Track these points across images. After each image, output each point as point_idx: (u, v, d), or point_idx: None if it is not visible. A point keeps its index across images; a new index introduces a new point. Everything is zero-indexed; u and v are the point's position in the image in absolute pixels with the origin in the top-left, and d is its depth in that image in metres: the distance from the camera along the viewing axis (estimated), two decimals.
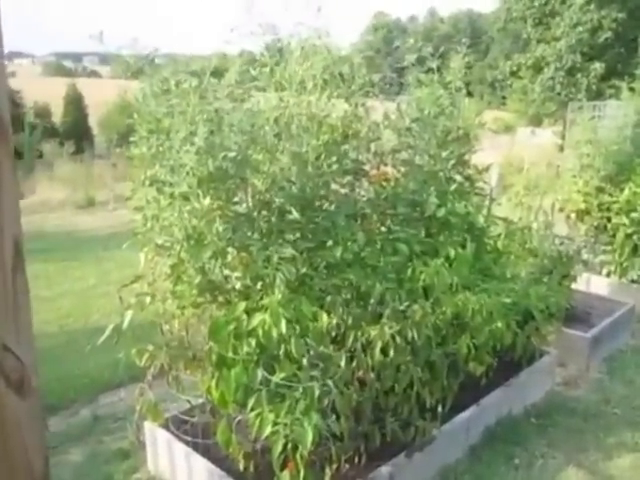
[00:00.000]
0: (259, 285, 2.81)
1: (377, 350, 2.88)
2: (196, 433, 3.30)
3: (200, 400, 3.36)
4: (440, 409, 3.49)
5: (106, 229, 11.07)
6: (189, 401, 3.40)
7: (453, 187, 3.92)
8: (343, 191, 3.68)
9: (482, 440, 3.81)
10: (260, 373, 2.77)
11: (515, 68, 20.95)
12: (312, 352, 2.85)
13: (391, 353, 2.92)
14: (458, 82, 4.31)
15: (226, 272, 2.86)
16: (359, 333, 2.87)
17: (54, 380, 5.02)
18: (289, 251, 2.75)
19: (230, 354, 2.82)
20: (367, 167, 3.91)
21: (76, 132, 24.83)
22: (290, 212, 3.13)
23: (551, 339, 4.59)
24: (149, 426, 3.54)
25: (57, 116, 26.63)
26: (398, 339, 2.90)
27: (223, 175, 2.82)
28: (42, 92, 27.63)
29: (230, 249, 2.75)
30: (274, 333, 2.67)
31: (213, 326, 2.82)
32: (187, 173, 2.71)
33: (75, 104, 25.81)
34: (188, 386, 3.28)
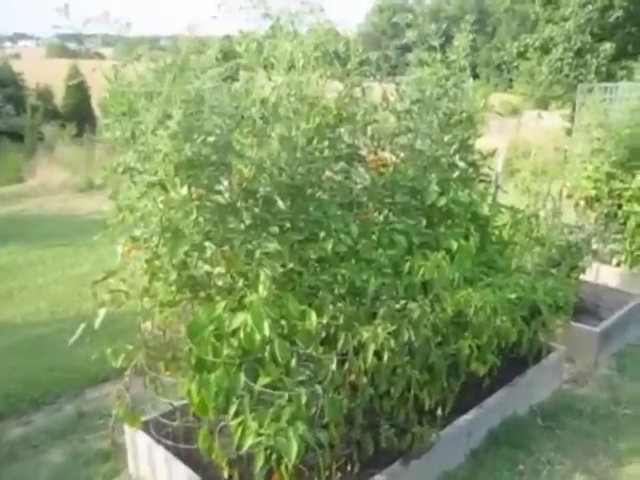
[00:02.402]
0: (241, 282, 2.57)
1: (370, 354, 2.65)
2: (177, 437, 3.09)
3: (183, 401, 3.14)
4: (440, 412, 3.27)
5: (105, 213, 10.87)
6: (171, 403, 3.18)
7: (456, 174, 3.66)
8: (337, 178, 3.44)
9: (485, 444, 3.58)
10: (243, 378, 2.55)
11: (522, 49, 20.45)
12: (300, 355, 2.62)
13: (385, 357, 2.68)
14: (462, 61, 4.04)
15: (206, 267, 2.63)
16: (350, 335, 2.63)
17: (41, 372, 4.84)
18: (273, 245, 2.51)
19: (210, 356, 2.60)
20: (364, 152, 3.67)
21: (78, 114, 24.54)
22: (277, 202, 2.89)
23: (558, 333, 4.35)
24: (129, 429, 3.33)
25: (60, 98, 26.35)
26: (393, 342, 2.66)
27: (203, 161, 2.57)
28: (46, 74, 27.34)
29: (208, 243, 2.51)
30: (256, 336, 2.44)
31: (192, 326, 2.59)
32: (163, 159, 2.47)
33: (76, 86, 25.50)
34: (170, 386, 3.06)
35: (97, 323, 2.70)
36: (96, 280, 2.74)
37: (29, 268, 7.96)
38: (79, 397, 4.53)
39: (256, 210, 2.72)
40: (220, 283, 2.61)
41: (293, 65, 3.14)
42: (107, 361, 2.94)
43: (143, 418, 3.18)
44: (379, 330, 2.64)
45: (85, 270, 7.73)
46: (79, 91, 25.73)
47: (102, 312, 2.71)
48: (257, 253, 2.48)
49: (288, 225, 2.98)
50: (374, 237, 3.34)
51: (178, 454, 3.07)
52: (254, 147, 3.05)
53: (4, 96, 24.85)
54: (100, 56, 3.48)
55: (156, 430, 3.19)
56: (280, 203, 2.68)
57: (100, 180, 2.67)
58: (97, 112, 25.22)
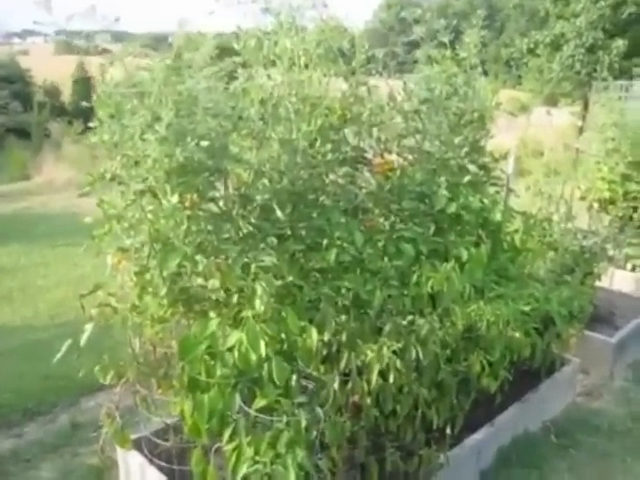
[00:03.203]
0: (237, 297, 2.40)
1: (374, 375, 2.47)
2: (171, 457, 2.93)
3: (177, 418, 2.98)
4: (449, 430, 3.09)
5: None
6: (165, 422, 3.01)
7: (466, 178, 3.47)
8: (341, 182, 3.26)
9: (495, 464, 3.40)
10: (238, 399, 2.38)
11: (532, 46, 20.16)
12: (300, 374, 2.45)
13: (391, 377, 2.50)
14: (473, 59, 3.84)
15: (199, 281, 2.45)
16: (353, 355, 2.46)
17: (36, 380, 4.69)
18: (270, 259, 2.33)
19: (204, 376, 2.42)
20: (369, 155, 3.48)
21: (85, 111, 24.40)
22: (274, 210, 2.72)
23: (572, 343, 4.15)
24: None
25: (67, 95, 26.21)
26: (399, 363, 2.48)
27: (196, 167, 2.40)
28: (54, 70, 27.23)
29: (199, 257, 2.33)
30: (252, 355, 2.27)
31: (184, 343, 2.41)
32: (152, 165, 2.29)
33: (83, 83, 25.38)
34: (163, 403, 2.89)
35: (83, 340, 2.53)
36: (83, 294, 2.57)
37: (30, 269, 7.82)
38: (74, 406, 4.39)
39: (252, 219, 2.54)
40: (214, 297, 2.43)
41: (294, 63, 2.96)
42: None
43: (135, 436, 3.02)
44: (384, 350, 2.46)
45: (87, 271, 7.59)
46: (86, 88, 25.60)
47: (89, 328, 2.55)
48: (253, 267, 2.30)
49: (288, 233, 2.81)
50: (380, 245, 3.15)
51: (172, 475, 2.90)
52: (253, 150, 2.88)
53: (11, 93, 24.74)
54: (108, 53, 3.33)
55: (149, 448, 3.02)
56: (278, 212, 2.50)
57: (86, 187, 2.50)
58: None
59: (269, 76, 3.01)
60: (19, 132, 20.09)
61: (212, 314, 2.43)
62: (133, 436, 3.02)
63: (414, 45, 4.39)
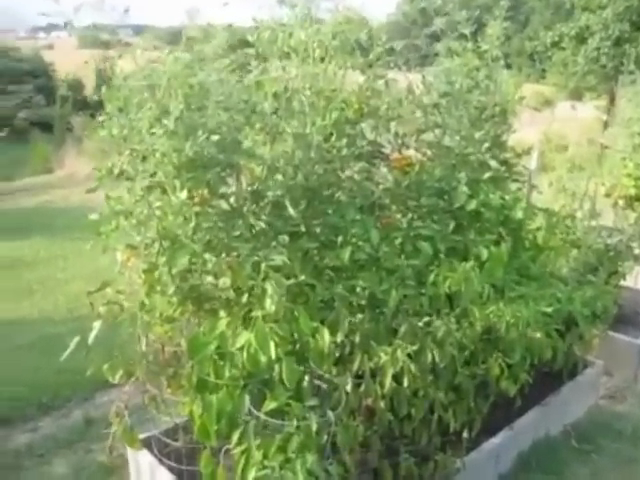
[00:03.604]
0: (246, 297, 2.33)
1: (388, 379, 2.39)
2: (180, 456, 2.88)
3: (186, 418, 2.93)
4: (466, 434, 3.00)
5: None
6: (174, 422, 2.96)
7: (487, 174, 3.36)
8: (357, 177, 3.17)
9: (514, 469, 3.30)
10: (247, 401, 2.32)
11: (557, 39, 19.81)
12: (312, 375, 2.38)
13: (405, 381, 2.42)
14: (495, 51, 3.72)
15: (209, 279, 2.39)
16: (366, 357, 2.38)
17: (51, 374, 4.68)
18: (281, 257, 2.25)
19: (213, 377, 2.36)
20: (387, 150, 3.39)
21: None
22: (287, 207, 2.65)
23: (595, 345, 4.03)
24: None
25: (90, 89, 26.36)
26: (413, 367, 2.39)
27: (206, 162, 2.33)
28: (77, 64, 27.39)
29: (208, 255, 2.26)
30: (261, 357, 2.20)
31: (193, 343, 2.36)
32: (161, 160, 2.23)
33: (105, 76, 25.49)
34: (173, 402, 2.84)
35: (91, 338, 2.49)
36: (91, 291, 2.53)
37: (50, 262, 7.85)
38: (89, 401, 4.38)
39: (263, 216, 2.47)
40: (224, 296, 2.36)
41: (309, 55, 2.88)
42: None
43: (145, 435, 2.98)
44: (398, 353, 2.37)
45: (104, 265, 7.59)
46: (108, 82, 25.68)
47: (97, 325, 2.50)
48: (263, 266, 2.22)
49: (302, 230, 2.73)
50: (397, 243, 3.06)
51: (181, 475, 2.86)
52: (266, 145, 2.81)
53: (35, 87, 24.94)
54: (129, 46, 3.29)
55: (158, 448, 2.98)
56: (290, 209, 2.42)
57: (95, 182, 2.45)
58: None
59: (284, 69, 2.93)
60: (43, 126, 20.23)
61: (222, 313, 2.37)
62: (143, 435, 2.98)
63: (436, 38, 4.28)
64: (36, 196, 12.19)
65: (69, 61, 28.44)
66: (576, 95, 26.02)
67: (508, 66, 3.93)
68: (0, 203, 11.31)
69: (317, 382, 2.42)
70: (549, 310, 3.13)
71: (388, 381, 2.39)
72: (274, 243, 2.39)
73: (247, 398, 2.33)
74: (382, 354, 2.40)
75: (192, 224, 2.22)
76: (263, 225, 2.48)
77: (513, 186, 3.77)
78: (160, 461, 2.93)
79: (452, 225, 3.18)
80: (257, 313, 2.25)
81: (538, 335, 3.10)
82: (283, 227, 2.48)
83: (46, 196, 12.29)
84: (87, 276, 7.20)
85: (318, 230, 2.80)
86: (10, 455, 3.73)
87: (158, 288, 2.38)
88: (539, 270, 3.56)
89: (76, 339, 2.54)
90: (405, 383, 2.41)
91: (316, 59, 2.91)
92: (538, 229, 3.84)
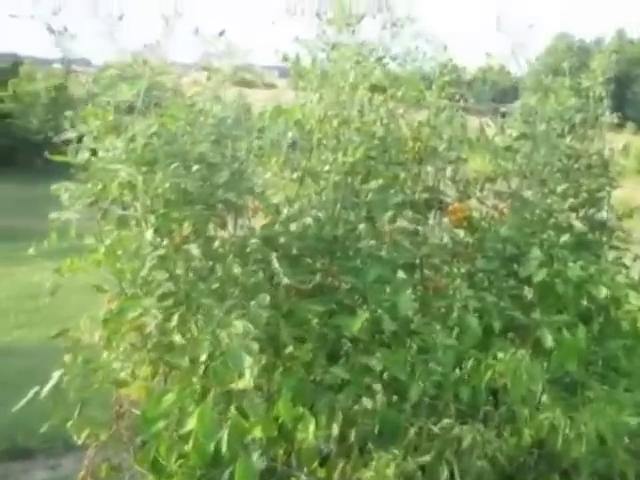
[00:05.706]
0: (203, 368, 1.86)
1: None
2: None
3: None
4: None
5: None
6: None
7: (564, 238, 2.69)
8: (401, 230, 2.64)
9: None
10: None
11: None
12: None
13: None
14: (599, 89, 3.06)
15: (177, 339, 1.95)
16: (348, 467, 1.81)
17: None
18: (243, 323, 1.74)
19: (165, 459, 1.91)
20: (448, 198, 2.83)
21: None
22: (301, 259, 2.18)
23: None
24: None
25: None
26: None
27: (184, 198, 1.92)
28: None
29: (165, 312, 1.83)
30: (208, 449, 1.71)
31: (144, 415, 1.92)
32: (126, 190, 1.85)
33: None
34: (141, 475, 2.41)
35: (45, 390, 2.12)
36: (53, 335, 2.17)
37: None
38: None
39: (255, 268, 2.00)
40: (181, 363, 1.91)
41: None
42: None
43: None
44: (389, 470, 1.77)
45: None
46: None
47: (56, 376, 2.13)
48: (224, 335, 1.74)
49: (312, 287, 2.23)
50: (440, 314, 2.47)
51: None
52: (284, 183, 2.37)
53: None
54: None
55: None
56: (276, 264, 1.93)
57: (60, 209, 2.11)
58: None
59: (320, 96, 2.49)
60: None
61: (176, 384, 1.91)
62: None
63: None
64: None
65: None
66: None
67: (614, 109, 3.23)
68: None
69: None
70: (634, 422, 2.37)
71: None
72: (253, 302, 1.90)
73: None
74: (373, 463, 1.81)
75: (144, 271, 1.79)
76: (253, 279, 2.01)
77: (610, 255, 3.04)
78: None
79: (514, 299, 2.54)
80: (215, 389, 1.77)
81: (619, 453, 2.35)
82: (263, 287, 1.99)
83: None
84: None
85: (336, 289, 2.30)
86: None
87: (114, 343, 1.97)
88: (633, 364, 2.78)
89: (33, 390, 2.19)
90: None
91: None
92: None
